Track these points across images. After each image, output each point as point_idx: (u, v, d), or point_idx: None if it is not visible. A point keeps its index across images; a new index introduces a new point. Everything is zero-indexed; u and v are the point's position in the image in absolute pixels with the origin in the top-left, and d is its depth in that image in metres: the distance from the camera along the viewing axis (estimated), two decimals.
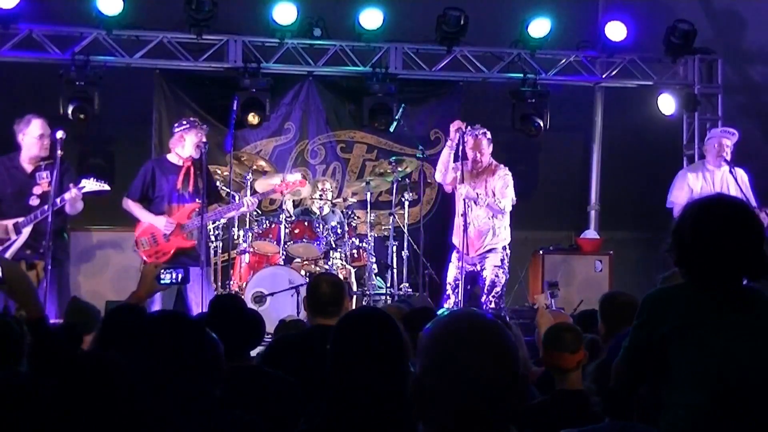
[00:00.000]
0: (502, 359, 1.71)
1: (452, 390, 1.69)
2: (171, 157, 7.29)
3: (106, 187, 6.83)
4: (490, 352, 1.70)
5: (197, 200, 7.11)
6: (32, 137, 6.84)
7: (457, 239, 7.74)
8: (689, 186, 8.16)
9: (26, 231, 6.76)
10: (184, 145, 7.17)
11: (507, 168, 7.91)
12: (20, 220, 6.74)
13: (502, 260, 7.77)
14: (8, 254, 6.62)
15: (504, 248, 7.82)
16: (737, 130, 8.42)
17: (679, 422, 2.61)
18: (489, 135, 7.88)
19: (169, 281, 3.76)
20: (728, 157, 8.12)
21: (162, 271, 3.76)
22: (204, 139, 7.18)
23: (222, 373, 2.66)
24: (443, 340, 1.74)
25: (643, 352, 2.70)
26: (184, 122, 7.36)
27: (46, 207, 6.68)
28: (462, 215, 7.52)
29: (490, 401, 1.68)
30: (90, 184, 6.76)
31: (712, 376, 2.60)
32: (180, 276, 3.76)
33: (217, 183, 8.05)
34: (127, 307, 3.61)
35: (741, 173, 8.14)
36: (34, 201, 6.85)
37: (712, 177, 8.18)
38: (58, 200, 6.66)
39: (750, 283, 2.78)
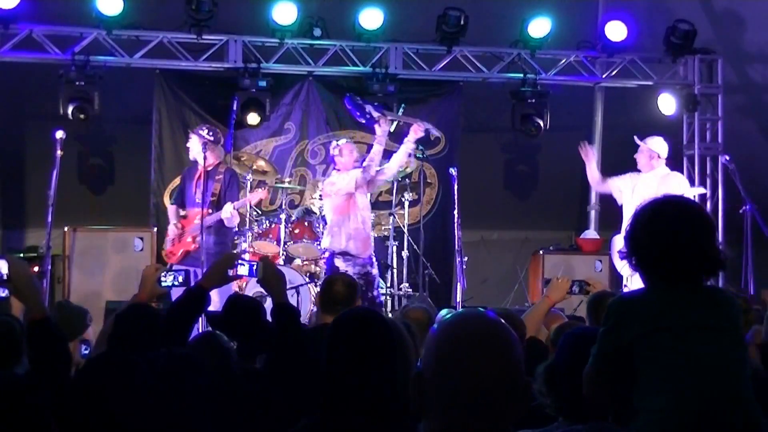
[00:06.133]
0: (502, 363, 1.71)
1: (450, 390, 1.69)
2: (199, 164, 7.67)
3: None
4: (490, 355, 1.70)
5: (207, 206, 7.39)
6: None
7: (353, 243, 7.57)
8: (619, 186, 7.90)
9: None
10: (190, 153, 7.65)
11: None
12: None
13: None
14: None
15: None
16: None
17: (649, 426, 2.61)
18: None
19: (170, 283, 3.74)
20: (658, 164, 7.78)
21: (163, 273, 3.74)
22: (187, 145, 7.65)
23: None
24: (445, 340, 1.74)
25: (611, 358, 2.70)
26: (190, 134, 7.80)
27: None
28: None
29: (489, 403, 1.68)
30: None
31: (679, 379, 2.61)
32: (181, 278, 3.74)
33: None
34: (141, 307, 3.58)
35: (677, 177, 7.93)
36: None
37: (637, 179, 7.85)
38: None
39: (711, 283, 2.80)
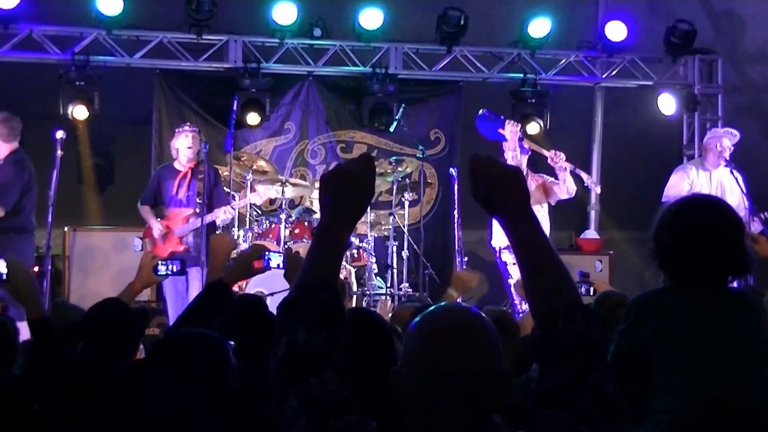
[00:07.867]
0: (478, 355, 1.71)
1: (425, 383, 1.71)
2: (176, 164, 7.61)
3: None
4: (465, 348, 1.71)
5: (193, 206, 7.41)
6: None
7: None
8: (691, 182, 8.02)
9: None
10: (177, 153, 7.56)
11: None
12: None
13: None
14: None
15: None
16: (738, 130, 8.36)
17: (658, 426, 2.59)
18: None
19: (165, 272, 3.77)
20: (728, 158, 8.02)
21: (159, 262, 3.77)
22: (189, 144, 7.49)
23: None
24: (421, 333, 1.76)
25: (627, 357, 2.68)
26: (176, 129, 7.74)
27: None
28: None
29: (464, 396, 1.69)
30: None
31: (691, 380, 2.58)
32: (176, 267, 3.77)
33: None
34: (107, 303, 3.56)
35: (738, 176, 8.06)
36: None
37: (709, 177, 8.10)
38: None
39: (736, 286, 2.76)
